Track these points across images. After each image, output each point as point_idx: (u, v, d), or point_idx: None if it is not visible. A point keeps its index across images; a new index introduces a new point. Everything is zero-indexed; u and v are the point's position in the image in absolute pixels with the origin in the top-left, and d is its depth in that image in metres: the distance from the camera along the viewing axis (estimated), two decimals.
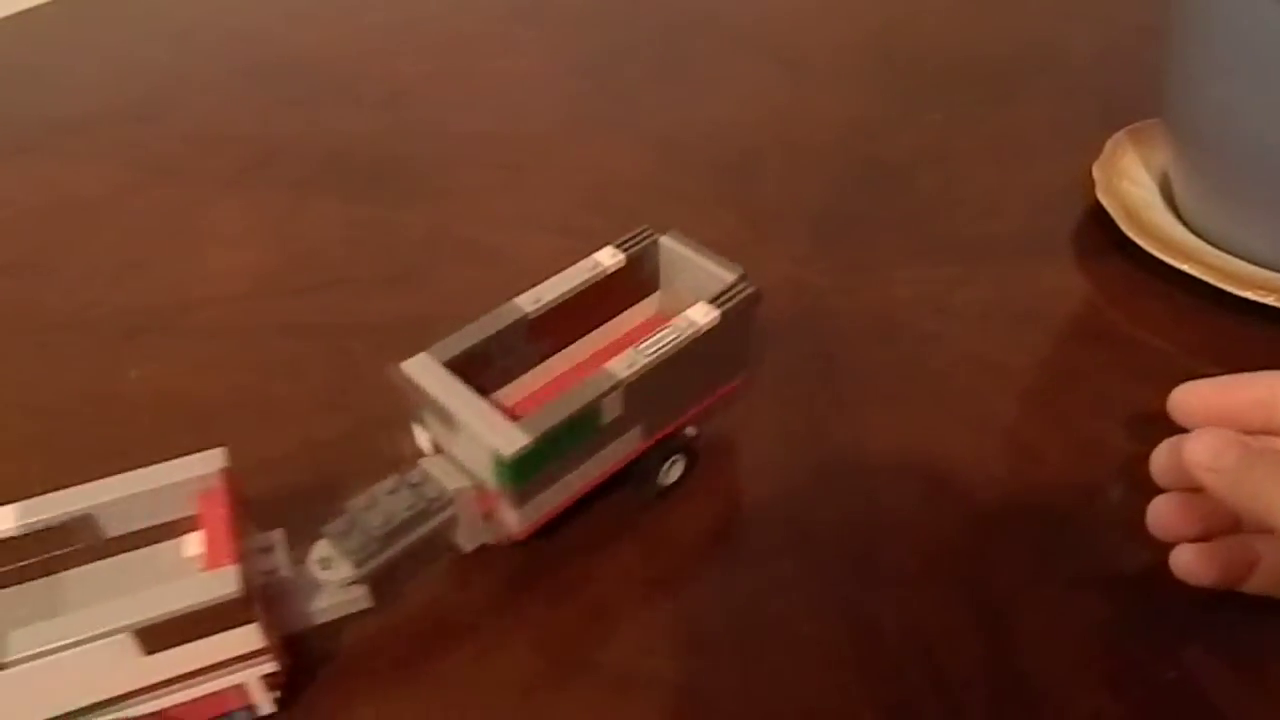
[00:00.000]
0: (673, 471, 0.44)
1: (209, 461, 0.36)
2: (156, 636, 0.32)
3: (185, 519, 0.36)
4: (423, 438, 0.40)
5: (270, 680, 0.35)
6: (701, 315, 0.41)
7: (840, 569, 0.41)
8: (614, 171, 0.66)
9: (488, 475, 0.37)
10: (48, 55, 0.83)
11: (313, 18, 0.88)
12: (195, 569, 0.34)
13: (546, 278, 0.43)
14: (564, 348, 0.44)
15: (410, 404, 0.39)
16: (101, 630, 0.31)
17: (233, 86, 0.78)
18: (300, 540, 0.37)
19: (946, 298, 0.55)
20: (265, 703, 0.36)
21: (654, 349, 0.39)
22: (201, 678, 0.34)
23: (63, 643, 0.31)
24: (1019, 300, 0.55)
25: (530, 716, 0.37)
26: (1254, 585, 0.38)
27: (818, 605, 0.40)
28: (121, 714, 0.33)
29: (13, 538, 0.34)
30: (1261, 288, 0.51)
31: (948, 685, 0.37)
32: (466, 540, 0.40)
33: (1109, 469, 0.45)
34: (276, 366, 0.51)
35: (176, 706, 0.34)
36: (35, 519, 0.34)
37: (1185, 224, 0.58)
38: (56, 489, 0.35)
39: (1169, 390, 0.40)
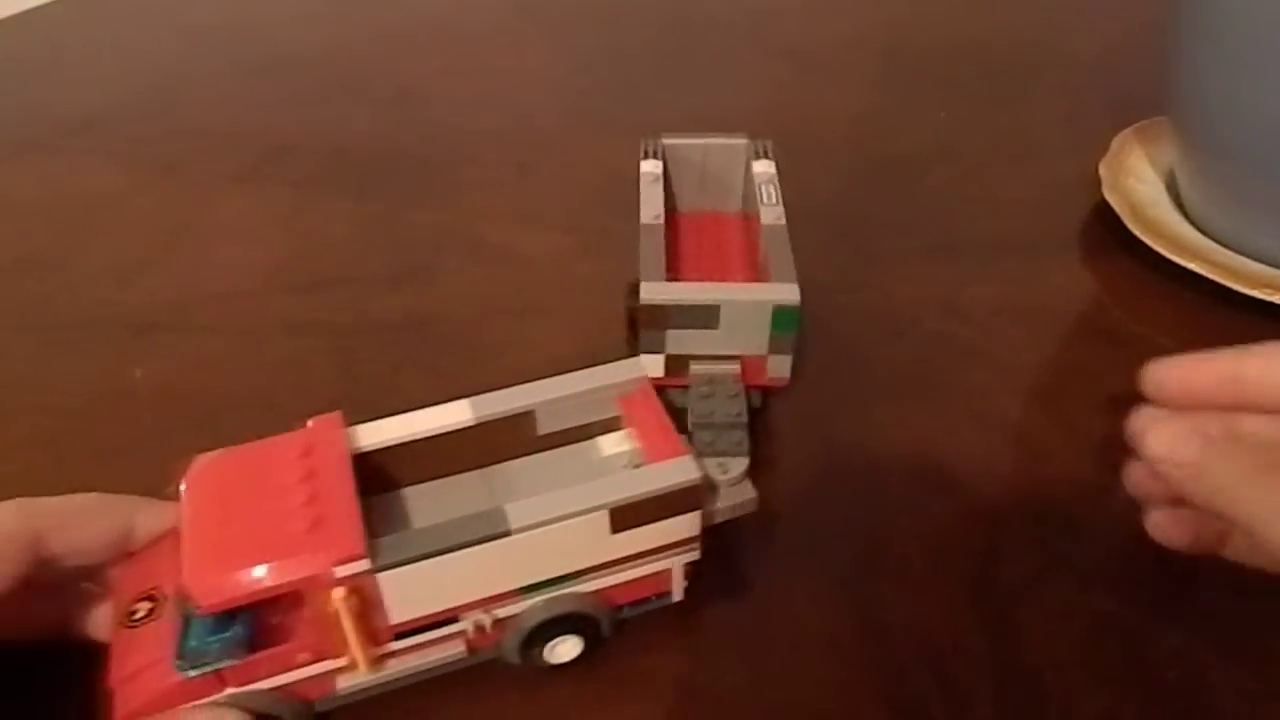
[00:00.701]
0: None
1: (631, 368, 0.40)
2: (626, 516, 0.35)
3: (604, 420, 0.40)
4: (655, 365, 0.44)
5: (688, 570, 0.38)
6: (768, 168, 0.49)
7: (846, 565, 0.41)
8: (620, 168, 0.66)
9: (760, 341, 0.43)
10: (55, 53, 0.83)
11: (319, 16, 0.88)
12: (617, 465, 0.39)
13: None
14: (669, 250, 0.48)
15: (648, 334, 0.43)
16: (590, 505, 0.34)
17: (239, 84, 0.78)
18: None
19: (953, 295, 0.55)
20: (678, 591, 0.39)
21: (774, 199, 0.47)
22: (644, 560, 0.37)
23: (557, 514, 0.34)
24: (1025, 298, 0.55)
25: (533, 714, 0.37)
26: (1231, 552, 0.38)
27: (823, 602, 0.40)
28: (575, 589, 0.36)
29: (468, 428, 0.38)
30: (1268, 286, 0.51)
31: (953, 682, 0.37)
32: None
33: (1115, 466, 0.45)
34: (282, 364, 0.51)
35: (613, 586, 0.37)
36: (487, 412, 0.38)
37: (1191, 222, 0.58)
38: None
39: None
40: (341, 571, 0.32)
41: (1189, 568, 0.39)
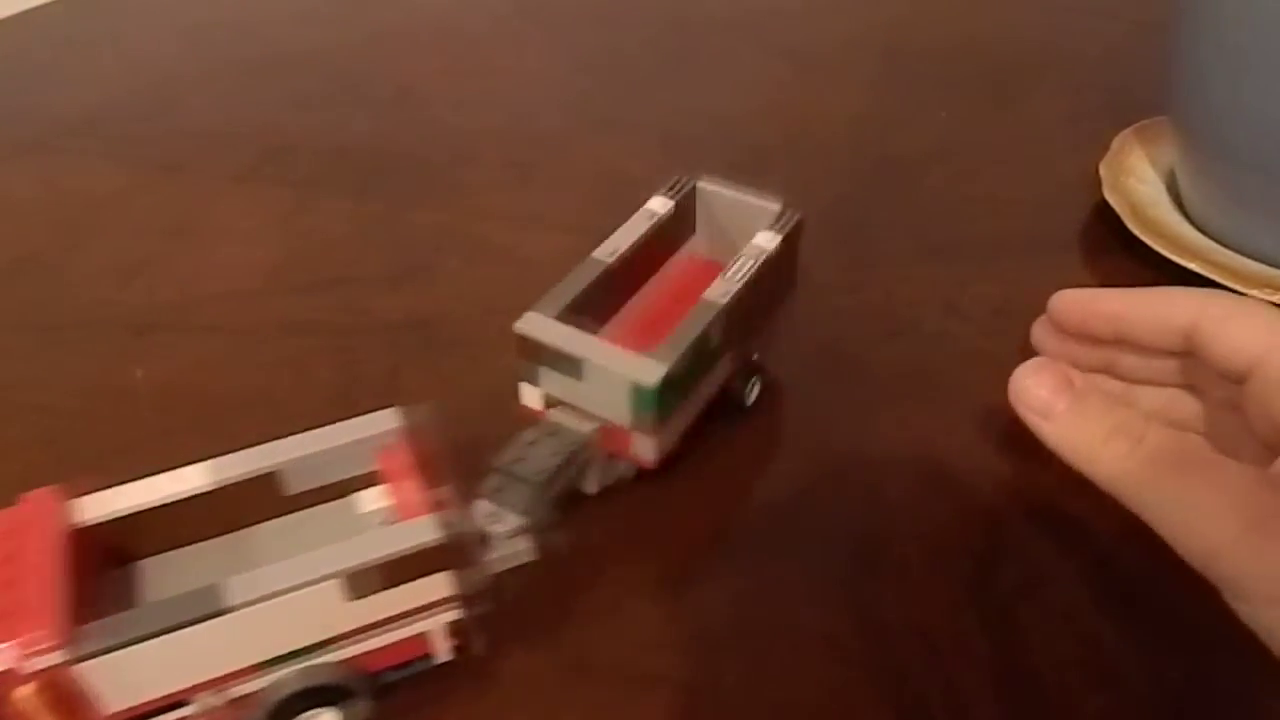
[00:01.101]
0: (753, 392, 0.48)
1: (387, 420, 0.38)
2: (363, 582, 0.33)
3: (363, 476, 0.38)
4: (532, 396, 0.42)
5: (451, 628, 0.36)
6: (767, 241, 0.45)
7: (846, 567, 0.41)
8: (622, 168, 0.66)
9: (622, 411, 0.40)
10: (56, 53, 0.83)
11: (320, 15, 0.88)
12: (373, 523, 0.36)
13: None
14: (631, 296, 0.47)
15: (524, 363, 0.42)
16: (317, 575, 0.32)
17: (240, 84, 0.78)
18: None
19: (953, 295, 0.55)
20: (444, 652, 0.37)
21: (739, 275, 0.43)
22: (394, 625, 0.35)
23: (281, 587, 0.32)
24: (1026, 298, 0.55)
25: (536, 714, 0.37)
26: None
27: (824, 603, 0.40)
28: (319, 660, 0.34)
29: (205, 493, 0.36)
30: (1268, 285, 0.51)
31: (954, 683, 0.37)
32: (592, 483, 0.42)
33: None
34: (283, 365, 0.51)
35: (365, 654, 0.35)
36: (225, 475, 0.36)
37: (1191, 222, 0.57)
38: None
39: None
40: (32, 665, 0.29)
41: (1190, 567, 0.38)
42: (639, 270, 0.46)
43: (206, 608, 0.31)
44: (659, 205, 0.47)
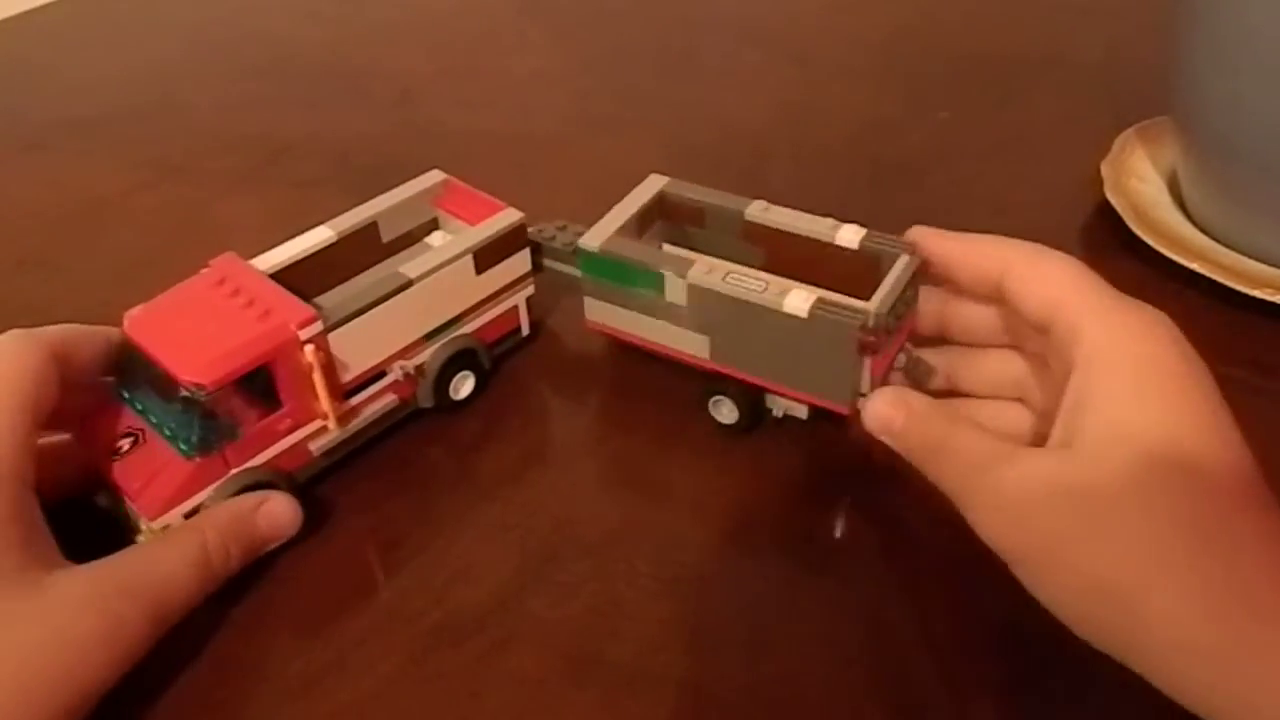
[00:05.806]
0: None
1: (432, 177, 0.51)
2: (483, 257, 0.46)
3: (428, 222, 0.51)
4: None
5: (530, 302, 0.50)
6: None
7: (850, 567, 0.41)
8: (623, 170, 0.66)
9: None
10: (59, 53, 0.83)
11: (322, 16, 0.88)
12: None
13: None
14: None
15: None
16: (460, 250, 0.46)
17: (243, 85, 0.78)
18: None
19: None
20: (525, 325, 0.51)
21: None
22: (499, 299, 0.48)
23: (439, 262, 0.45)
24: None
25: (538, 714, 0.37)
26: None
27: (827, 603, 0.40)
28: (460, 331, 0.47)
29: (334, 243, 0.47)
30: (1270, 286, 0.51)
31: (958, 683, 0.37)
32: None
33: None
34: None
35: (483, 326, 0.48)
36: (343, 228, 0.47)
37: (1194, 222, 0.57)
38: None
39: None
40: (304, 334, 0.40)
41: None
42: None
43: (399, 282, 0.44)
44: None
